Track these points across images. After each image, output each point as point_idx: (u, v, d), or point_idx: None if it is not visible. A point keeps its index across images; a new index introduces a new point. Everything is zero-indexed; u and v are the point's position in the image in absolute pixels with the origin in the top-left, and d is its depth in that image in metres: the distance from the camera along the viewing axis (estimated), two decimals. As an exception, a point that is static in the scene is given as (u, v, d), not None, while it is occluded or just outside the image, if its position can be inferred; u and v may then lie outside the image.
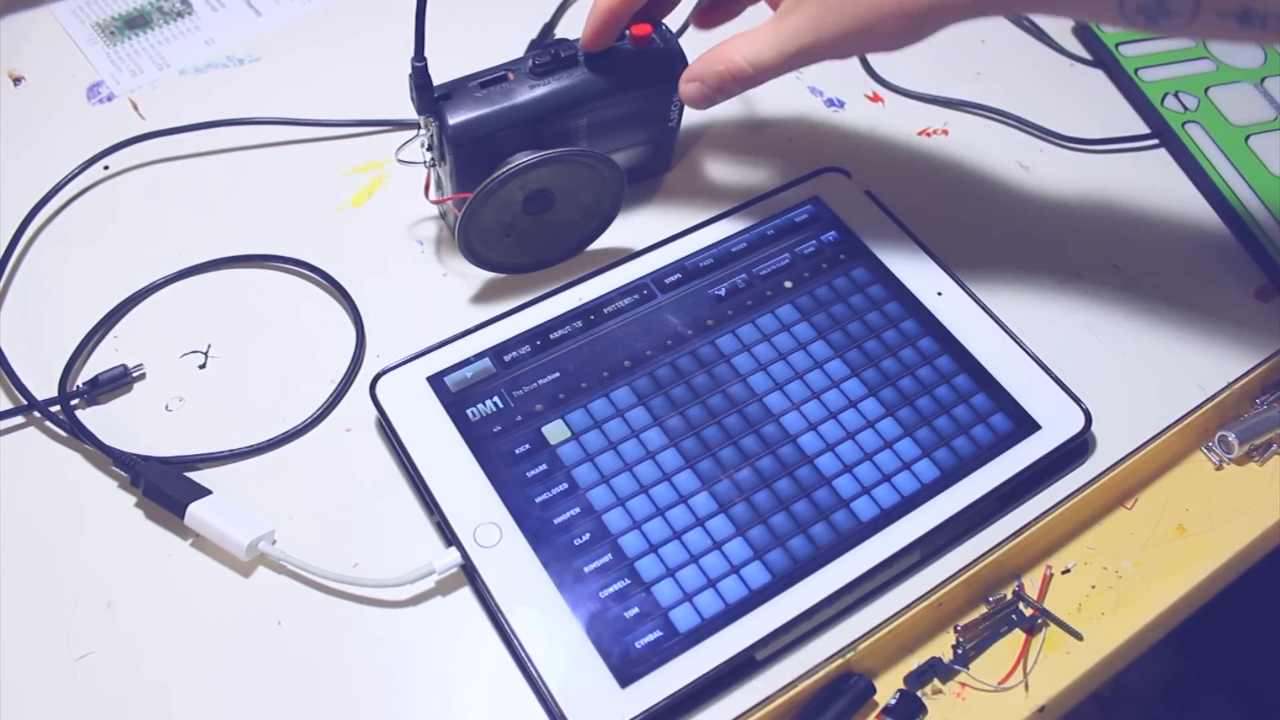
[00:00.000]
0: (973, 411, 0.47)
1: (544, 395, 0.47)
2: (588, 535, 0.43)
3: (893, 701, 0.42)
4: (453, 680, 0.42)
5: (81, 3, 0.63)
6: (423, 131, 0.49)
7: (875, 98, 0.62)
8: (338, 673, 0.42)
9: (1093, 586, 0.46)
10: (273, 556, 0.44)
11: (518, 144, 0.49)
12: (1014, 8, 0.44)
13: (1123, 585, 0.46)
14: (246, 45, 0.62)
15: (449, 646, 0.43)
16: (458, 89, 0.48)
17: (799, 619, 0.42)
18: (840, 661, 0.42)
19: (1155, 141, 0.61)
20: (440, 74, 0.48)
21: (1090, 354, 0.51)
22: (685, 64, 0.51)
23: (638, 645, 0.41)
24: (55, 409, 0.47)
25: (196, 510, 0.44)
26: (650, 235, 0.53)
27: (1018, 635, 0.44)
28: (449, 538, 0.43)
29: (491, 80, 0.49)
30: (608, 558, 0.43)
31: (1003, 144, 0.60)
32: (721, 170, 0.58)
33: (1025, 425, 0.47)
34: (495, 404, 0.46)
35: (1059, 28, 0.66)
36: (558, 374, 0.47)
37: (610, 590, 0.42)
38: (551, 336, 0.49)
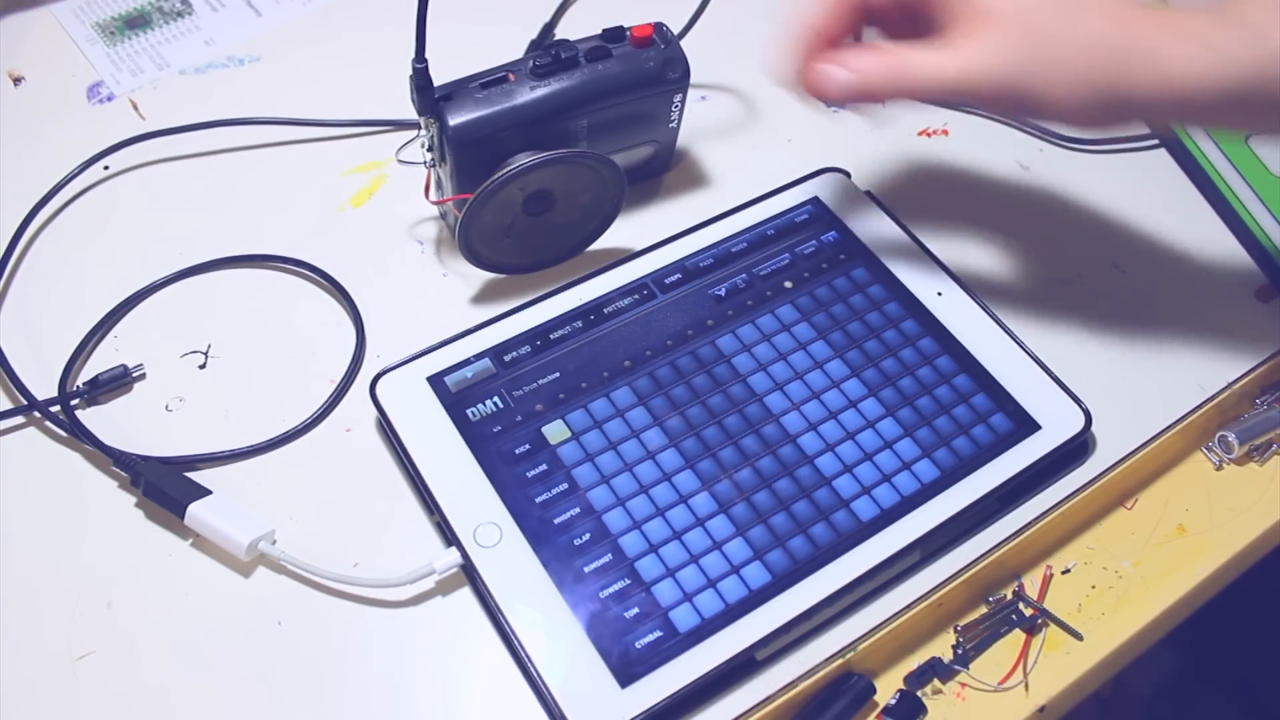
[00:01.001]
0: (973, 411, 0.47)
1: (544, 395, 0.47)
2: (588, 535, 0.43)
3: (893, 701, 0.42)
4: (453, 680, 0.42)
5: (81, 3, 0.63)
6: (423, 132, 0.49)
7: (875, 98, 0.62)
8: (338, 673, 0.42)
9: (1093, 586, 0.46)
10: (273, 556, 0.44)
11: (518, 145, 0.49)
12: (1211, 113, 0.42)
13: (1123, 585, 0.46)
14: (246, 45, 0.62)
15: (449, 646, 0.43)
16: (458, 90, 0.48)
17: (799, 619, 0.42)
18: (840, 661, 0.42)
19: (1155, 141, 0.61)
20: (441, 74, 0.48)
21: (1090, 354, 0.51)
22: (686, 66, 0.51)
23: (638, 645, 0.41)
24: (55, 409, 0.47)
25: (196, 510, 0.44)
26: (650, 235, 0.53)
27: (1018, 635, 0.44)
28: (449, 538, 0.43)
29: (492, 81, 0.49)
30: (608, 558, 0.43)
31: (1003, 144, 0.60)
32: (721, 170, 0.58)
33: (1025, 425, 0.47)
34: (495, 404, 0.46)
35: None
36: (558, 374, 0.47)
37: (610, 590, 0.42)
38: (551, 336, 0.49)
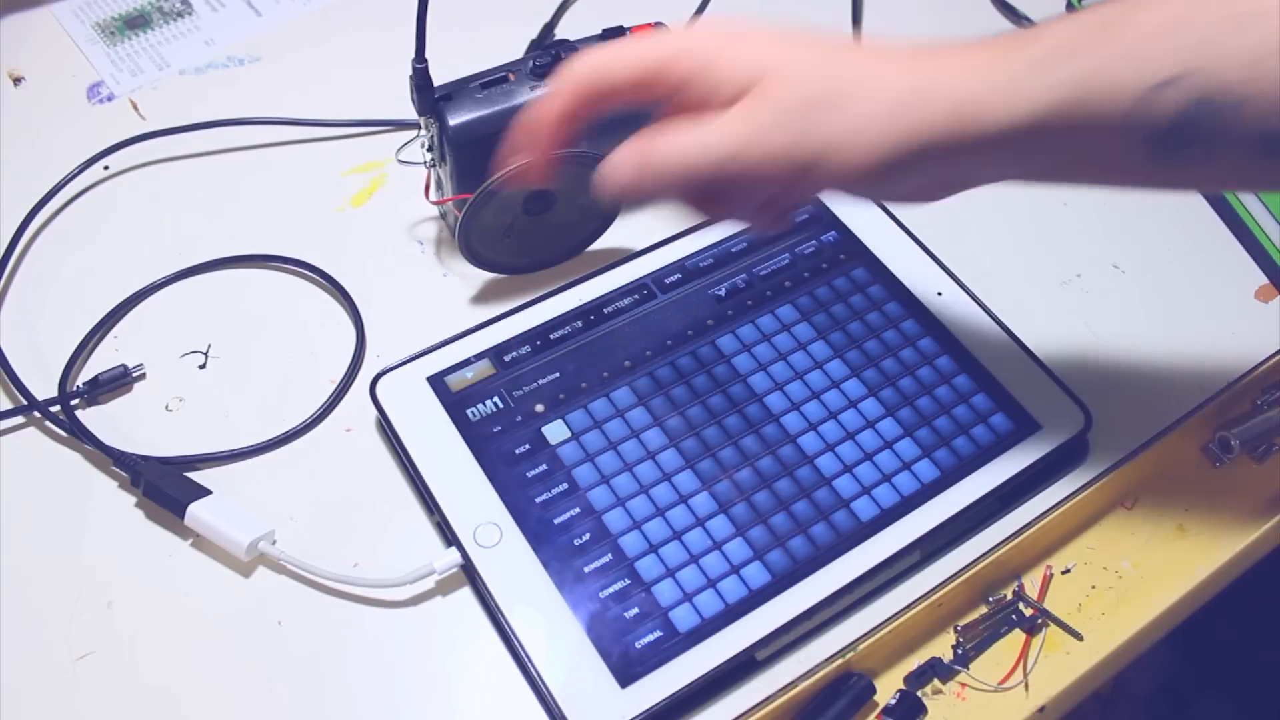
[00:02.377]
0: (973, 411, 0.47)
1: (544, 395, 0.47)
2: (588, 535, 0.43)
3: (893, 701, 0.42)
4: (453, 680, 0.42)
5: (81, 3, 0.63)
6: (423, 132, 0.49)
7: (875, 98, 0.62)
8: (338, 673, 0.42)
9: (1093, 586, 0.46)
10: (273, 556, 0.44)
11: (518, 144, 0.49)
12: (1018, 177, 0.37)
13: (1123, 585, 0.46)
14: (246, 45, 0.62)
15: (449, 646, 0.43)
16: (458, 90, 0.48)
17: (799, 619, 0.42)
18: (840, 661, 0.42)
19: (1155, 142, 0.61)
20: (441, 74, 0.48)
21: (1090, 354, 0.51)
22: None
23: (638, 645, 0.41)
24: (55, 409, 0.47)
25: (196, 510, 0.44)
26: (650, 235, 0.53)
27: (1018, 635, 0.44)
28: (449, 538, 0.43)
29: (492, 81, 0.49)
30: (608, 558, 0.43)
31: (1003, 144, 0.60)
32: (721, 170, 0.58)
33: (1025, 425, 0.47)
34: (495, 404, 0.46)
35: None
36: (558, 374, 0.47)
37: (610, 590, 0.42)
38: (551, 336, 0.49)
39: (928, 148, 0.35)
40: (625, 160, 0.38)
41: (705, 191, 0.38)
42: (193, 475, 0.45)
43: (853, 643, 0.42)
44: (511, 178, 0.42)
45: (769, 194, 0.38)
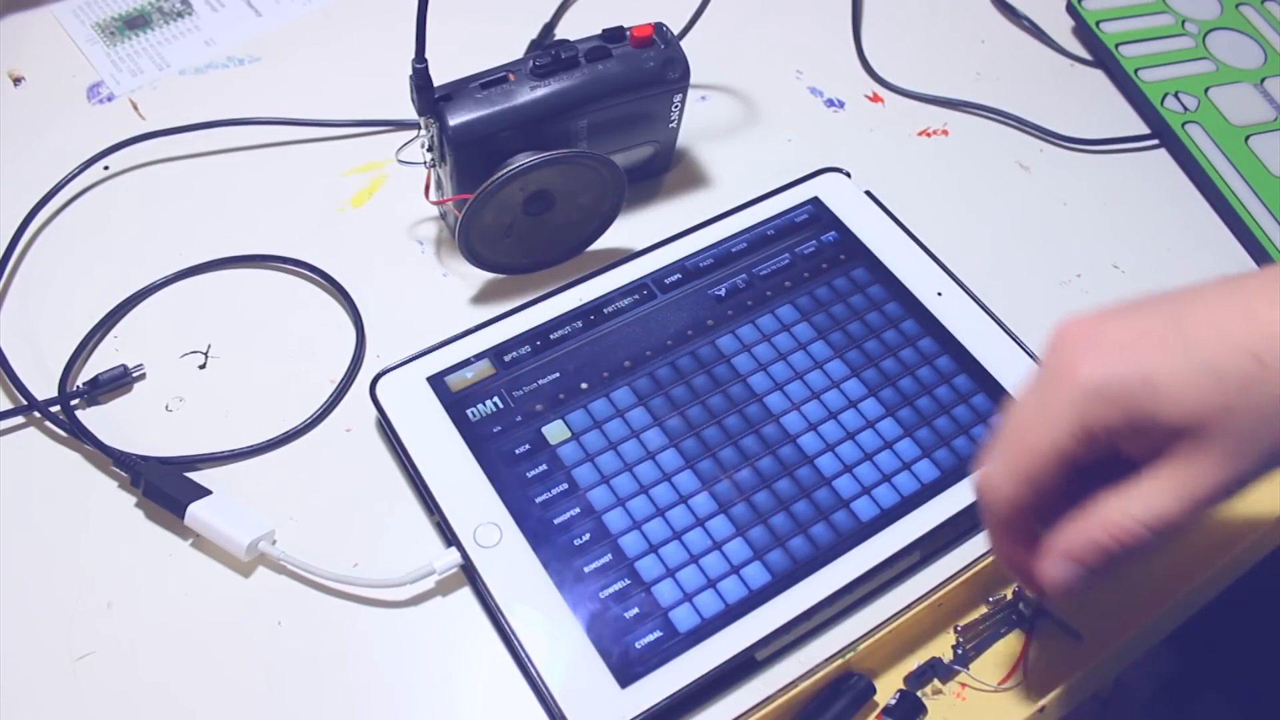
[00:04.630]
0: (973, 411, 0.47)
1: (544, 395, 0.47)
2: (588, 535, 0.43)
3: (893, 701, 0.42)
4: (453, 680, 0.42)
5: (81, 3, 0.63)
6: (423, 132, 0.49)
7: (875, 98, 0.62)
8: (338, 673, 0.42)
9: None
10: (273, 556, 0.44)
11: (518, 145, 0.49)
12: None
13: (1123, 585, 0.46)
14: (246, 45, 0.62)
15: (449, 646, 0.43)
16: (458, 90, 0.48)
17: (799, 619, 0.42)
18: (840, 661, 0.42)
19: (1155, 141, 0.61)
20: (441, 74, 0.48)
21: (1090, 354, 0.51)
22: (686, 66, 0.51)
23: (638, 645, 0.41)
24: (55, 409, 0.47)
25: (196, 510, 0.44)
26: (650, 235, 0.53)
27: (1018, 635, 0.44)
28: (449, 538, 0.43)
29: (492, 81, 0.49)
30: (608, 558, 0.43)
31: (1003, 144, 0.60)
32: (721, 170, 0.58)
33: (1025, 425, 0.47)
34: (495, 404, 0.46)
35: (1059, 27, 0.66)
36: (558, 374, 0.47)
37: (610, 590, 0.42)
38: (551, 336, 0.49)
39: None
40: (1080, 546, 0.35)
41: None
42: (193, 475, 0.45)
43: (853, 643, 0.42)
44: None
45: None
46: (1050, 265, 0.55)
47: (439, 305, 0.52)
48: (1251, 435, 0.33)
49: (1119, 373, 0.33)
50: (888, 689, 0.42)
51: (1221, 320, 0.33)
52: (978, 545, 0.45)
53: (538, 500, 0.44)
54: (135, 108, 0.59)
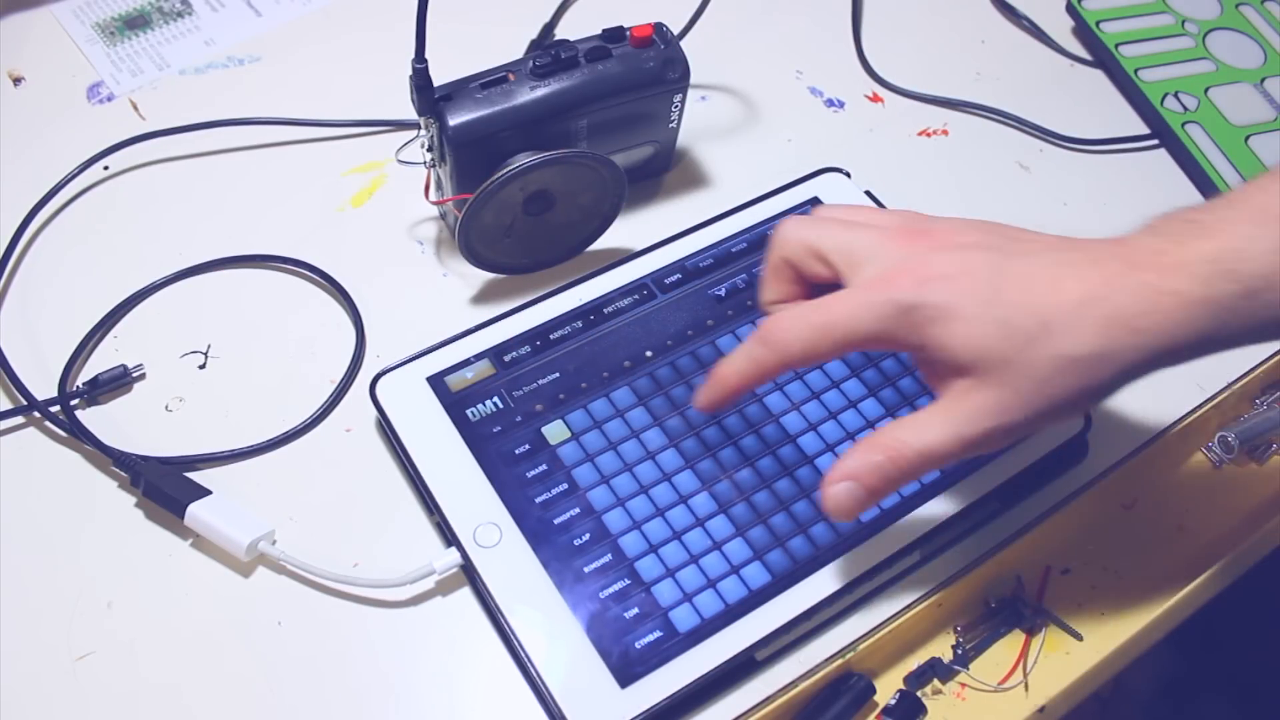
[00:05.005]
0: (973, 412, 0.47)
1: (544, 395, 0.47)
2: (588, 535, 0.43)
3: (893, 701, 0.42)
4: (453, 680, 0.42)
5: (81, 3, 0.63)
6: (423, 132, 0.49)
7: (875, 98, 0.62)
8: (338, 673, 0.42)
9: (1093, 586, 0.46)
10: (273, 556, 0.44)
11: (518, 145, 0.49)
12: (1192, 356, 0.37)
13: (1123, 585, 0.46)
14: (246, 45, 0.62)
15: (449, 647, 0.43)
16: (458, 90, 0.48)
17: (799, 619, 0.42)
18: (840, 661, 0.42)
19: (1155, 141, 0.61)
20: (441, 75, 0.48)
21: (1090, 354, 0.51)
22: (686, 66, 0.51)
23: (638, 645, 0.41)
24: (55, 409, 0.47)
25: (196, 510, 0.44)
26: (650, 235, 0.53)
27: (1018, 635, 0.44)
28: (449, 538, 0.43)
29: (492, 81, 0.49)
30: (608, 558, 0.43)
31: (1003, 144, 0.60)
32: (721, 170, 0.58)
33: (1025, 425, 0.47)
34: (495, 404, 0.46)
35: (1059, 27, 0.66)
36: (558, 374, 0.47)
37: (610, 590, 0.42)
38: (551, 337, 0.49)
39: (1129, 376, 0.36)
40: (861, 468, 0.37)
41: None
42: (193, 475, 0.45)
43: (853, 643, 0.42)
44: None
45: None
46: (1050, 265, 0.55)
47: (439, 305, 0.52)
48: (1024, 391, 0.36)
49: (929, 300, 0.36)
50: (888, 689, 0.42)
51: (1032, 283, 0.36)
52: (978, 545, 0.45)
53: (538, 500, 0.44)
54: (135, 108, 0.59)
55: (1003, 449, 0.45)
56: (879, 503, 0.40)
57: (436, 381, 0.47)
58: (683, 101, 0.52)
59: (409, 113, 0.49)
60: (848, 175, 0.55)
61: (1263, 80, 0.63)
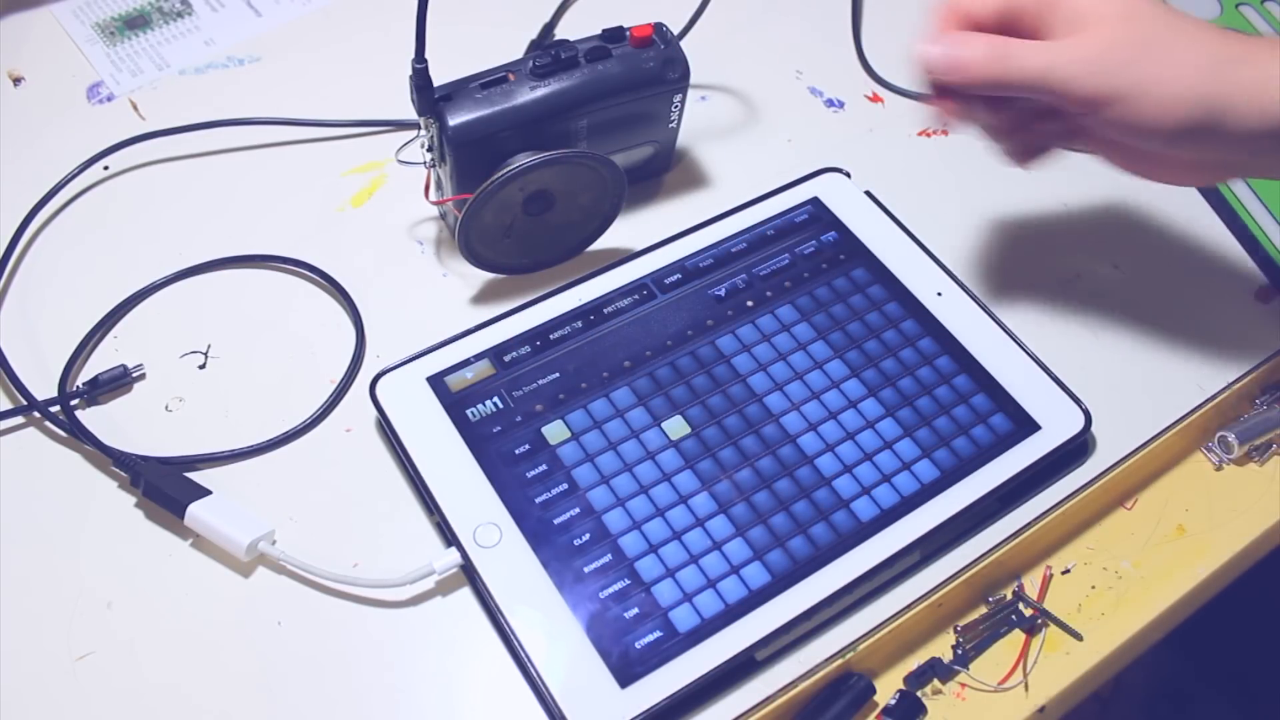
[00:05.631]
0: (972, 412, 0.47)
1: (544, 395, 0.47)
2: (588, 535, 0.43)
3: (893, 701, 0.42)
4: (453, 680, 0.42)
5: (81, 3, 0.63)
6: (423, 132, 0.49)
7: (875, 98, 0.62)
8: (338, 673, 0.42)
9: (1093, 586, 0.46)
10: (273, 556, 0.44)
11: (518, 145, 0.49)
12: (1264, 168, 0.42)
13: (1123, 585, 0.46)
14: (246, 45, 0.62)
15: (449, 647, 0.43)
16: (458, 90, 0.48)
17: (799, 619, 0.42)
18: (840, 661, 0.42)
19: (1155, 142, 0.61)
20: (441, 75, 0.48)
21: (1090, 354, 0.51)
22: (686, 66, 0.51)
23: (638, 645, 0.41)
24: (55, 409, 0.47)
25: (196, 510, 0.44)
26: (650, 235, 0.53)
27: (1018, 635, 0.44)
28: (449, 538, 0.43)
29: (492, 81, 0.49)
30: (608, 558, 0.43)
31: (1003, 144, 0.60)
32: (721, 170, 0.58)
33: (1025, 425, 0.47)
34: (495, 404, 0.46)
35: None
36: (558, 374, 0.47)
37: (610, 590, 0.42)
38: (551, 337, 0.49)
39: (1228, 127, 0.38)
40: (975, 50, 0.42)
41: (1006, 101, 0.44)
42: (193, 475, 0.45)
43: (853, 643, 0.42)
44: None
45: (1057, 127, 0.44)
46: (1050, 265, 0.55)
47: (439, 305, 0.52)
48: (1117, 60, 0.39)
49: None
50: (888, 689, 0.42)
51: (1173, 19, 0.40)
52: (978, 545, 0.45)
53: (537, 500, 0.44)
54: (135, 108, 0.59)
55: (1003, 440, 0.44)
56: (956, 80, 0.43)
57: (436, 381, 0.47)
58: (683, 101, 0.52)
59: (409, 113, 0.50)
60: (848, 175, 0.55)
61: (1263, 80, 0.63)
